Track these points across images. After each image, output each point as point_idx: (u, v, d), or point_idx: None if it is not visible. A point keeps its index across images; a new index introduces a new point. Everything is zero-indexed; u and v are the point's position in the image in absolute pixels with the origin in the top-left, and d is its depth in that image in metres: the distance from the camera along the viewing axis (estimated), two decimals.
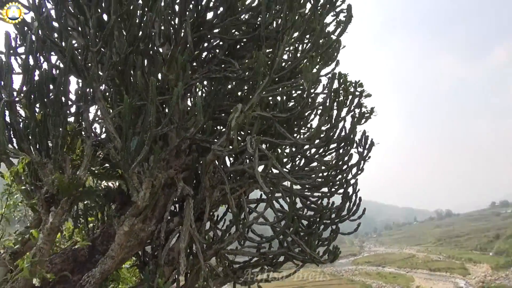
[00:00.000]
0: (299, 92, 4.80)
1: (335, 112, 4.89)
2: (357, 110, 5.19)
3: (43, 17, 3.14)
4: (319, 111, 5.04)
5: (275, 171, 4.33)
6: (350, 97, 5.12)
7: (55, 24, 3.59)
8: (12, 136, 3.37)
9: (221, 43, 4.91)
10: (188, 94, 4.89)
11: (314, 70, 3.85)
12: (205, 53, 5.08)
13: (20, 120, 3.34)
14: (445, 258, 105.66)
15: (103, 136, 4.41)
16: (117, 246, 3.53)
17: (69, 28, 3.59)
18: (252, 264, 4.69)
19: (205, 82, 5.19)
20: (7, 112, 3.15)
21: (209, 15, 4.60)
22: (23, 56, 3.53)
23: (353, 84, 5.18)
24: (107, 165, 4.10)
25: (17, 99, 3.19)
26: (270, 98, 4.27)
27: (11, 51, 3.30)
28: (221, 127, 5.24)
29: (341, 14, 4.28)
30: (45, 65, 3.38)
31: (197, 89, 5.12)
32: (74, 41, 3.76)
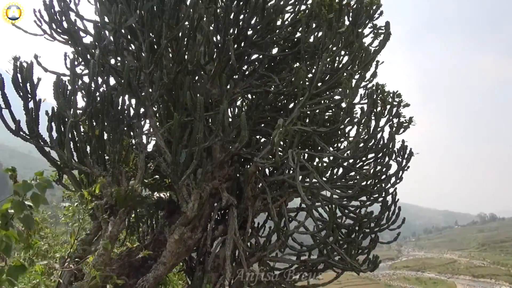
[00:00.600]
0: (336, 104, 4.92)
1: (373, 122, 4.96)
2: (395, 120, 5.23)
3: (103, 45, 3.45)
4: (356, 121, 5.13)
5: (314, 180, 4.48)
6: (388, 107, 5.18)
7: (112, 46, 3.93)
8: (74, 152, 3.73)
9: (261, 57, 5.12)
10: (230, 107, 5.15)
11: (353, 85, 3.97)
12: (245, 66, 5.32)
13: (83, 137, 3.68)
14: (490, 264, 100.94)
15: (151, 146, 4.74)
16: (169, 253, 3.81)
17: (124, 53, 3.91)
18: (293, 270, 4.85)
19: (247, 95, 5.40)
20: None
21: (250, 30, 4.83)
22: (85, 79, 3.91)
23: (391, 95, 5.23)
24: (157, 176, 4.41)
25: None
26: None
27: (76, 77, 3.64)
28: (261, 137, 5.46)
29: (379, 30, 4.36)
30: (102, 86, 3.73)
31: (240, 103, 5.33)
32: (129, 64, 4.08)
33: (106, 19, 3.86)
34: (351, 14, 3.83)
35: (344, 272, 4.81)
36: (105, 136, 3.79)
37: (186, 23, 3.89)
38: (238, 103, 5.67)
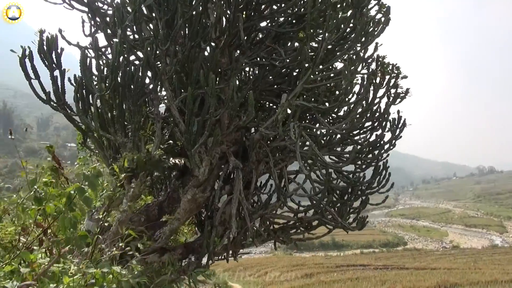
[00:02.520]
0: (338, 74, 5.23)
1: (371, 93, 5.30)
2: (392, 91, 5.57)
3: (124, 26, 3.76)
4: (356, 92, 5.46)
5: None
6: (387, 77, 5.50)
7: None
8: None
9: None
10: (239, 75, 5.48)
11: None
12: (253, 35, 5.56)
13: (106, 108, 4.09)
14: (483, 214, 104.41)
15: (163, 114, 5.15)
16: (182, 211, 4.38)
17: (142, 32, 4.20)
18: (290, 226, 5.47)
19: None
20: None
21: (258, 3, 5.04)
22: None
23: (390, 66, 5.53)
24: (171, 141, 4.86)
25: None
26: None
27: (99, 52, 3.98)
28: (266, 102, 5.84)
29: (379, 13, 4.57)
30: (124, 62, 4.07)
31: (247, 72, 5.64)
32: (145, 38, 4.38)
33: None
34: None
35: (335, 228, 5.41)
36: (125, 106, 4.20)
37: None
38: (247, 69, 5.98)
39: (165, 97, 4.42)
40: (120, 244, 3.54)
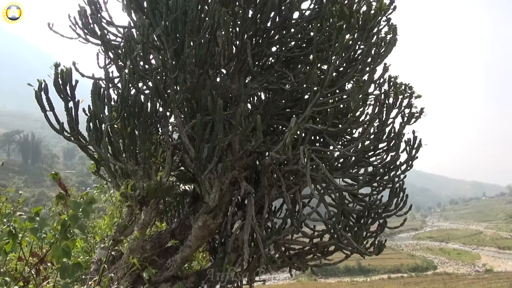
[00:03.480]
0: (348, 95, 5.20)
1: (384, 114, 5.22)
2: (406, 111, 5.48)
3: (133, 57, 3.86)
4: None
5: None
6: (400, 98, 5.42)
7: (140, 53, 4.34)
8: (109, 146, 4.24)
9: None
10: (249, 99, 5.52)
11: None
12: (263, 60, 5.62)
13: (117, 136, 4.17)
14: None
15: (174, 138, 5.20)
16: (194, 238, 4.35)
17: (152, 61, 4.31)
18: (306, 252, 5.34)
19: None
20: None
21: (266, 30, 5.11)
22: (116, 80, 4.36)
23: (403, 86, 5.46)
24: (182, 168, 4.89)
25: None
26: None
27: (110, 82, 4.09)
28: (278, 126, 5.83)
29: (388, 34, 4.56)
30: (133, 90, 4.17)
31: (258, 97, 5.68)
32: (154, 65, 4.49)
33: (134, 32, 4.26)
34: (360, 20, 4.06)
35: (353, 253, 5.25)
36: (136, 134, 4.27)
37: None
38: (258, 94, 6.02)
39: (175, 124, 4.47)
40: (131, 273, 3.53)
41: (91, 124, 4.25)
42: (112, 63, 4.80)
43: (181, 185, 4.44)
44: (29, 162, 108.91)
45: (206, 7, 4.62)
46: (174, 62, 4.09)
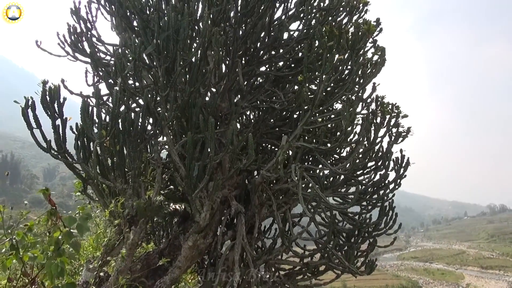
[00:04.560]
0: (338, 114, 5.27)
1: (372, 133, 5.28)
2: (394, 130, 5.56)
3: (124, 74, 3.84)
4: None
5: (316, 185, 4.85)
6: (387, 117, 5.50)
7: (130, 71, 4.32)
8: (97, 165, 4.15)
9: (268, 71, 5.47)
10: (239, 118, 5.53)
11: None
12: (253, 79, 5.67)
13: (106, 155, 4.09)
14: (499, 255, 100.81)
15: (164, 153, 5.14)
16: (183, 258, 4.24)
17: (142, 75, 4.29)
18: (296, 272, 5.26)
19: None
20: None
21: (256, 50, 5.18)
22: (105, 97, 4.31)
23: (390, 106, 5.55)
24: (171, 187, 4.82)
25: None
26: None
27: (100, 99, 4.05)
28: (267, 145, 5.84)
29: (375, 54, 4.67)
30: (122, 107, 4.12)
31: (248, 115, 5.70)
32: (145, 84, 4.46)
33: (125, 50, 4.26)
34: (349, 40, 4.15)
35: (343, 273, 5.19)
36: (125, 152, 4.20)
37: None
38: (247, 113, 6.04)
39: (166, 143, 4.42)
40: None
41: (79, 142, 4.17)
42: (101, 80, 4.75)
43: (171, 204, 4.36)
44: (8, 183, 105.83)
45: (196, 27, 4.67)
46: (165, 81, 4.07)
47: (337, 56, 4.33)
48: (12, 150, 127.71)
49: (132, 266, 4.36)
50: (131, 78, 4.34)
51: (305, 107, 4.50)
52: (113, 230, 4.40)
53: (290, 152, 4.69)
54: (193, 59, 4.14)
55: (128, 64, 4.00)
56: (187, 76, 4.30)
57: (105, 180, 4.10)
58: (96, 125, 3.96)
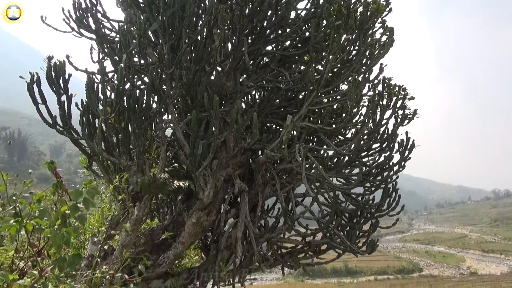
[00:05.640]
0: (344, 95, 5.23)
1: (378, 115, 5.25)
2: (400, 112, 5.53)
3: (129, 51, 3.82)
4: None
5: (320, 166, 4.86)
6: (393, 99, 5.46)
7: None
8: (103, 142, 4.18)
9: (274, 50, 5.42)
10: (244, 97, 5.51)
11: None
12: (259, 58, 5.62)
13: (111, 131, 4.12)
14: (501, 239, 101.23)
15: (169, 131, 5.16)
16: (187, 235, 4.31)
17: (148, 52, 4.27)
18: (298, 250, 5.34)
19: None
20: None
21: (263, 28, 5.11)
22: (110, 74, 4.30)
23: (397, 88, 5.50)
24: (176, 164, 4.86)
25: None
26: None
27: (105, 76, 4.04)
28: (272, 125, 5.83)
29: (384, 34, 4.59)
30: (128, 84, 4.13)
31: (253, 94, 5.67)
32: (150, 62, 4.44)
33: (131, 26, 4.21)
34: (357, 20, 4.08)
35: (345, 252, 5.26)
36: (130, 129, 4.22)
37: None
38: (253, 92, 6.01)
39: (171, 121, 4.43)
40: (123, 269, 3.48)
41: (84, 118, 4.19)
42: (106, 57, 4.74)
43: (175, 181, 4.40)
44: (15, 160, 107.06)
45: (202, 4, 4.61)
46: (170, 58, 4.05)
47: (344, 36, 4.28)
48: (20, 127, 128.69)
49: (137, 241, 4.44)
50: (136, 56, 4.33)
51: (311, 88, 4.47)
52: (117, 205, 4.47)
53: (295, 132, 4.69)
54: (199, 37, 4.10)
55: (133, 41, 3.98)
56: (193, 54, 4.27)
57: (110, 156, 4.14)
58: (101, 101, 3.98)
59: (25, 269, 2.16)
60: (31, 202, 2.07)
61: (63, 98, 4.20)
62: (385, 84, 5.38)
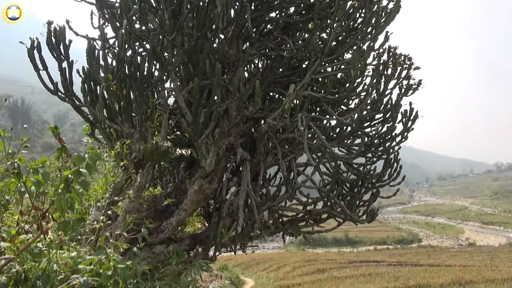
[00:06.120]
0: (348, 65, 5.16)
1: (382, 84, 5.19)
2: (404, 82, 5.46)
3: (129, 16, 3.74)
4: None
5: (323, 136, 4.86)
6: (398, 69, 5.38)
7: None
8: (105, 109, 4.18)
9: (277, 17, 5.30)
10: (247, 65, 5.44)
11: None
12: (262, 26, 5.51)
13: (113, 98, 4.10)
14: (500, 212, 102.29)
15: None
16: (189, 202, 4.37)
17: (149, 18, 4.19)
18: (299, 218, 5.42)
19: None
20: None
21: None
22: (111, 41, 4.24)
23: (402, 57, 5.41)
24: (178, 132, 4.86)
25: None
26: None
27: (106, 42, 3.99)
28: (275, 94, 5.79)
29: (391, 1, 4.47)
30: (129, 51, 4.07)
31: (256, 63, 5.59)
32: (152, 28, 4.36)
33: None
34: None
35: (345, 221, 5.34)
36: (132, 96, 4.20)
37: None
38: (256, 61, 5.93)
39: (172, 89, 4.40)
40: (126, 234, 3.56)
41: (86, 85, 4.17)
42: (107, 23, 4.65)
43: (177, 149, 4.42)
44: (19, 128, 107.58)
45: None
46: (171, 24, 3.98)
47: (350, 2, 4.17)
48: (23, 96, 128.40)
49: (140, 208, 4.51)
50: (137, 22, 4.25)
51: (314, 56, 4.40)
52: (120, 171, 4.51)
53: (297, 102, 4.66)
54: (201, 2, 4.00)
55: (134, 6, 3.90)
56: (194, 20, 4.19)
57: (113, 124, 4.14)
58: (102, 68, 3.94)
59: (30, 231, 2.21)
60: (31, 160, 2.10)
61: (64, 64, 4.16)
62: (391, 53, 5.29)
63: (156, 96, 4.61)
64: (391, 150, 5.39)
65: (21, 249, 1.69)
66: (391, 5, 4.77)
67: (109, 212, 3.85)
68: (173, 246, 4.31)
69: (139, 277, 3.01)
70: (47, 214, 2.24)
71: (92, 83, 4.20)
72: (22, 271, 1.62)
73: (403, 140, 5.56)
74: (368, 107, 5.12)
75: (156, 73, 4.52)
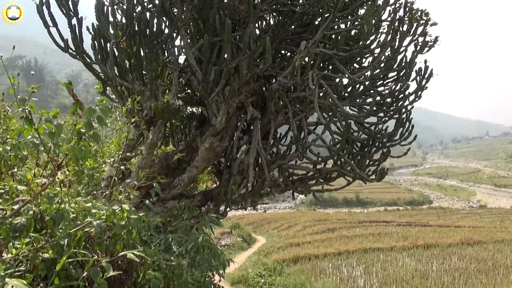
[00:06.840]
0: (361, 21, 5.00)
1: (397, 41, 5.05)
2: (420, 39, 5.30)
3: None
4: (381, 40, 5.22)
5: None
6: (414, 25, 5.21)
7: None
8: (115, 66, 4.18)
9: None
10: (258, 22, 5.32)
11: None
12: None
13: (123, 55, 4.09)
14: None
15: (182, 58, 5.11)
16: (200, 159, 4.45)
17: None
18: (309, 177, 5.48)
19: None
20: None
21: None
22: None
23: (419, 13, 5.22)
24: (189, 91, 4.87)
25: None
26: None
27: (116, 2, 3.93)
28: (286, 52, 5.69)
29: None
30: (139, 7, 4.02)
31: (268, 19, 5.46)
32: None
33: None
34: None
35: (355, 180, 5.38)
36: (142, 54, 4.19)
37: None
38: (267, 17, 5.79)
39: (182, 46, 4.36)
40: (140, 190, 3.67)
41: (96, 42, 4.16)
42: None
43: (188, 107, 4.44)
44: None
45: None
46: None
47: None
48: (35, 56, 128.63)
49: (152, 165, 4.62)
50: None
51: (327, 12, 4.27)
52: (131, 127, 4.58)
53: (309, 59, 4.59)
54: None
55: None
56: None
57: (124, 81, 4.16)
58: (112, 25, 3.91)
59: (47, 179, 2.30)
60: (42, 109, 2.15)
61: (74, 21, 4.14)
62: (407, 8, 5.11)
63: (166, 53, 4.58)
64: (404, 110, 5.32)
65: (38, 192, 1.77)
66: None
67: (122, 167, 3.94)
68: (185, 202, 4.44)
69: (152, 230, 3.12)
70: (62, 164, 2.32)
71: (102, 40, 4.19)
72: (39, 212, 1.71)
73: (417, 99, 5.46)
74: (382, 65, 5.01)
75: (166, 30, 4.47)
